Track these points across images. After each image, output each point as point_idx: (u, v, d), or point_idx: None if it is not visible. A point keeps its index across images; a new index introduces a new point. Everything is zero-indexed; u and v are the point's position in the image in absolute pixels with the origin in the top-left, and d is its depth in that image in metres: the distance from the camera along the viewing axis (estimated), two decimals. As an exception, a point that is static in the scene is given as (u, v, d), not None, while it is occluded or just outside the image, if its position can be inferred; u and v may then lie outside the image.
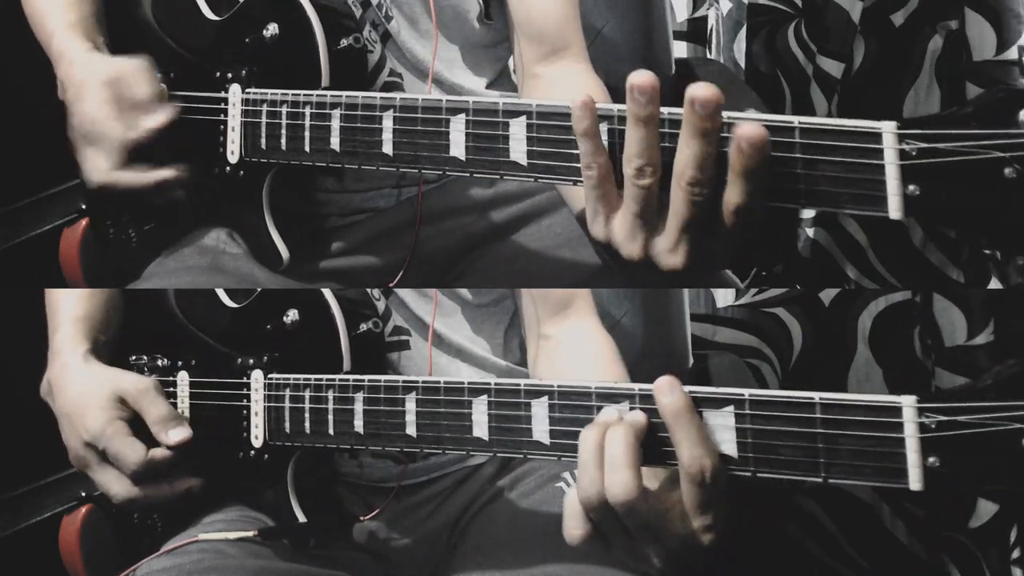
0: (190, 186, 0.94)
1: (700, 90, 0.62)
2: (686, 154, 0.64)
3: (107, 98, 0.90)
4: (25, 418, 1.26)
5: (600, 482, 0.67)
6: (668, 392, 0.66)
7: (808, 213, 1.55)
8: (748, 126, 0.61)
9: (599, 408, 0.70)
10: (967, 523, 1.34)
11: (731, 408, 0.65)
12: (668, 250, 0.67)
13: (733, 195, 0.63)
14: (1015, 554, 1.32)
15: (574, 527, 0.69)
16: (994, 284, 1.34)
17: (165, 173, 0.92)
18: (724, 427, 0.66)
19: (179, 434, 0.90)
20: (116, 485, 0.90)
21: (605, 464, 0.67)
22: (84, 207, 1.11)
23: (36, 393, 0.97)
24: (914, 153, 0.59)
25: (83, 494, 1.04)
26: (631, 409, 0.69)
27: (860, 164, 0.60)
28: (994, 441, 0.57)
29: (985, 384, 0.58)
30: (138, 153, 0.91)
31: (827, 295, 1.53)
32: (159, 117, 0.91)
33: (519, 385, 0.74)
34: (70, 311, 0.99)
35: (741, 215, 0.64)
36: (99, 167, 0.91)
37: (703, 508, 0.66)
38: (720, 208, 0.64)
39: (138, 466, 0.89)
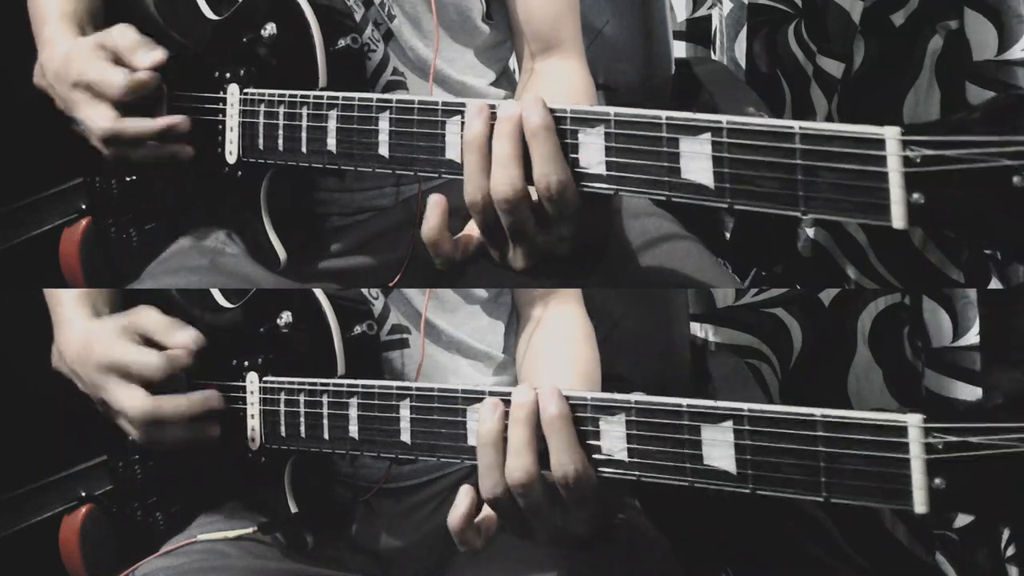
0: (192, 140, 0.94)
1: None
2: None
3: (99, 55, 0.92)
4: (25, 418, 1.26)
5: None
6: (549, 401, 0.70)
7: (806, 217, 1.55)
8: (527, 98, 0.70)
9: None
10: (954, 522, 1.34)
11: (730, 423, 0.64)
12: (511, 257, 0.75)
13: (535, 170, 0.70)
14: (1010, 551, 1.32)
15: (467, 549, 0.76)
16: (994, 284, 1.34)
17: (170, 119, 0.93)
18: (722, 442, 0.64)
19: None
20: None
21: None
22: (85, 207, 1.11)
23: (37, 393, 0.98)
24: (918, 160, 0.56)
25: (83, 494, 1.04)
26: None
27: (862, 171, 0.58)
28: (1004, 464, 0.54)
29: (995, 403, 0.55)
30: (137, 107, 0.92)
31: (827, 295, 1.53)
32: (156, 54, 0.92)
33: (511, 393, 0.73)
34: (71, 291, 1.00)
35: (550, 189, 0.69)
36: (103, 116, 0.91)
37: (576, 506, 0.71)
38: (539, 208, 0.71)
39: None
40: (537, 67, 1.03)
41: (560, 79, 1.02)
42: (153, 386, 0.89)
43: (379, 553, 0.98)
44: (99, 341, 0.91)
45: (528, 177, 0.71)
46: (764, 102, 1.40)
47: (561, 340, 1.01)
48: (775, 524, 1.50)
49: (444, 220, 0.76)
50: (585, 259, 0.77)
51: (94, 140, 0.93)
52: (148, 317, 0.93)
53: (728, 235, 1.53)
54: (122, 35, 0.93)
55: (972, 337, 1.29)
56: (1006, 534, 1.32)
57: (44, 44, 0.97)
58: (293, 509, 0.91)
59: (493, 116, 0.72)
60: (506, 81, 1.10)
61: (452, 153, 0.75)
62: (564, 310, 1.03)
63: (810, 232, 1.57)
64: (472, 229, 0.79)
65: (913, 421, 0.57)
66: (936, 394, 1.31)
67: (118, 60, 0.92)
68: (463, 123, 0.74)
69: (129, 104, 0.92)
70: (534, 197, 0.71)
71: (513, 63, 1.11)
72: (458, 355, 1.00)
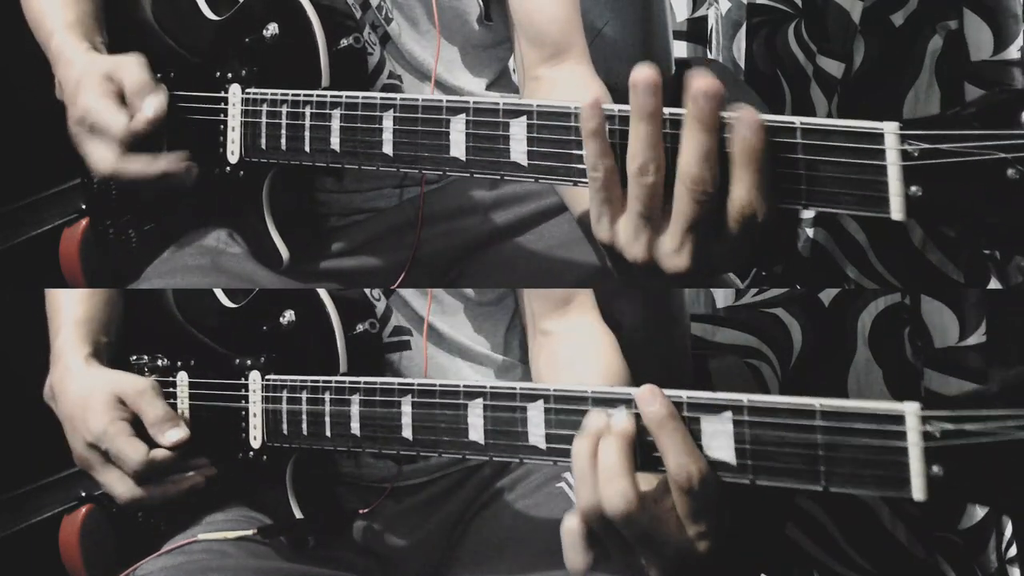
0: (196, 174, 0.94)
1: (701, 79, 0.63)
2: (689, 149, 0.63)
3: (105, 91, 0.91)
4: (25, 418, 1.26)
5: (598, 493, 0.66)
6: (650, 401, 0.66)
7: (808, 213, 1.55)
8: (744, 110, 0.62)
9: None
10: (958, 524, 1.34)
11: (729, 414, 0.64)
12: (672, 251, 0.66)
13: (737, 192, 0.63)
14: (1011, 552, 1.32)
15: (575, 558, 0.69)
16: (994, 284, 1.34)
17: (170, 160, 0.92)
18: (722, 433, 0.64)
19: (176, 434, 0.91)
20: (119, 485, 0.90)
21: (600, 475, 0.66)
22: (84, 207, 1.11)
23: (37, 393, 0.98)
24: (916, 154, 0.58)
25: (83, 494, 1.04)
26: (627, 409, 0.69)
27: (862, 165, 0.60)
28: (1001, 451, 0.55)
29: (992, 391, 0.56)
30: (141, 144, 0.91)
31: (827, 295, 1.53)
32: (156, 103, 0.91)
33: (515, 389, 0.74)
34: (71, 314, 0.99)
35: (746, 215, 0.63)
36: (105, 158, 0.91)
37: (695, 516, 0.66)
38: (725, 209, 0.64)
39: (139, 466, 0.89)
40: (547, 74, 1.01)
41: (577, 87, 0.99)
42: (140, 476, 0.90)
43: (380, 553, 0.98)
44: (93, 412, 0.91)
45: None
46: (764, 102, 1.40)
47: (589, 353, 0.98)
48: (775, 524, 1.50)
49: None
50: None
51: (95, 176, 0.94)
52: (145, 400, 0.92)
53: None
54: (130, 73, 0.92)
55: (979, 337, 1.30)
56: (1007, 534, 1.32)
57: (56, 59, 0.96)
58: (295, 509, 0.91)
59: None
60: (505, 82, 1.10)
61: (456, 151, 0.75)
62: (584, 321, 1.00)
63: (810, 232, 1.57)
64: None
65: (910, 409, 0.58)
66: (938, 394, 1.32)
67: (129, 95, 0.92)
68: (468, 120, 0.74)
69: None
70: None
71: (511, 64, 1.11)
72: (459, 358, 1.00)
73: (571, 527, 0.69)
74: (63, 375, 0.95)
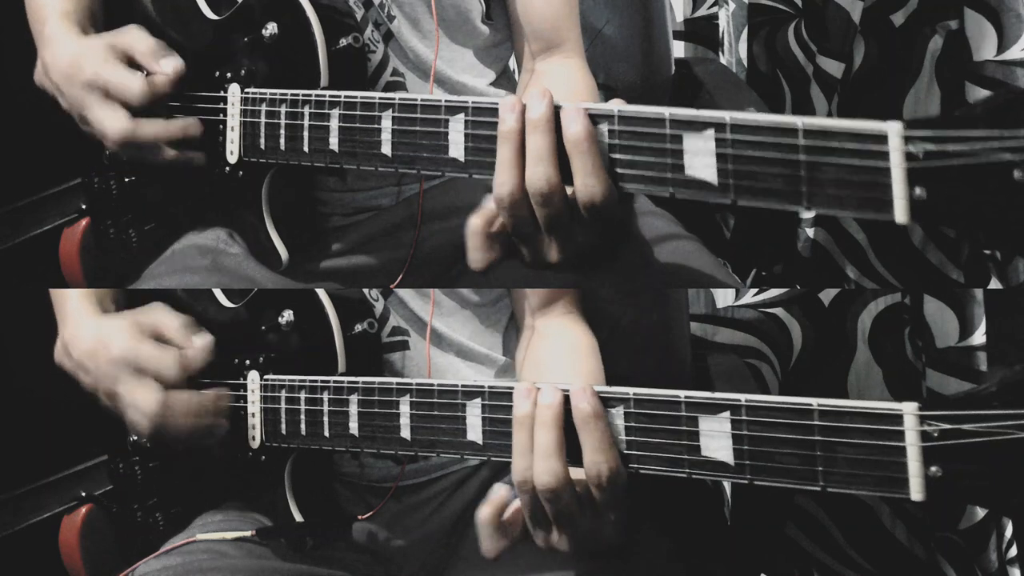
0: (203, 146, 0.94)
1: (531, 100, 0.72)
2: (527, 155, 0.72)
3: (112, 56, 0.91)
4: (25, 418, 1.26)
5: (531, 468, 0.72)
6: (580, 398, 0.70)
7: (808, 213, 1.55)
8: (567, 105, 0.70)
9: None
10: (959, 524, 1.34)
11: (727, 414, 0.64)
12: (545, 250, 0.75)
13: (577, 180, 0.70)
14: (1012, 552, 1.32)
15: (489, 548, 0.76)
16: (994, 284, 1.34)
17: (185, 124, 0.92)
18: (720, 433, 0.65)
19: (202, 338, 0.92)
20: (147, 399, 0.89)
21: (535, 452, 0.71)
22: (84, 207, 1.11)
23: (36, 393, 0.98)
24: (921, 155, 0.57)
25: (83, 494, 1.04)
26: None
27: (865, 167, 0.58)
28: (1000, 451, 0.55)
29: (990, 391, 0.56)
30: (149, 111, 0.91)
31: (827, 295, 1.52)
32: (175, 62, 0.91)
33: (512, 389, 0.74)
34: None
35: (585, 200, 0.70)
36: (119, 119, 0.90)
37: (603, 507, 0.71)
38: (576, 202, 0.71)
39: (174, 368, 0.89)
40: (538, 67, 1.03)
41: (562, 79, 1.02)
42: None
43: (380, 553, 0.98)
44: (116, 337, 0.90)
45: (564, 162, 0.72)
46: (764, 102, 1.40)
47: (565, 353, 1.00)
48: (775, 524, 1.50)
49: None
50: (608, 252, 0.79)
51: (108, 142, 0.92)
52: (164, 320, 0.92)
53: (728, 235, 1.53)
54: (138, 39, 0.92)
55: (979, 337, 1.30)
56: (1008, 534, 1.32)
57: (46, 42, 0.95)
58: (294, 510, 0.91)
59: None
60: (506, 81, 1.10)
61: (455, 151, 0.75)
62: (566, 321, 1.01)
63: (810, 232, 1.57)
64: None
65: (908, 409, 0.58)
66: (939, 394, 1.31)
67: (131, 63, 0.91)
68: (467, 120, 0.74)
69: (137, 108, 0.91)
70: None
71: (513, 63, 1.12)
72: (458, 358, 1.00)
73: (486, 515, 0.76)
74: (77, 327, 0.95)
